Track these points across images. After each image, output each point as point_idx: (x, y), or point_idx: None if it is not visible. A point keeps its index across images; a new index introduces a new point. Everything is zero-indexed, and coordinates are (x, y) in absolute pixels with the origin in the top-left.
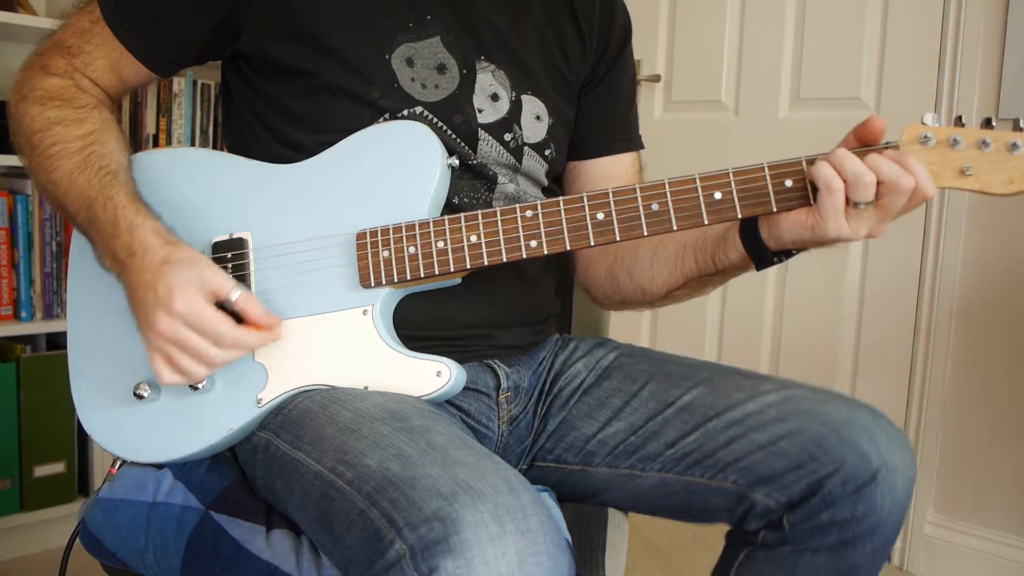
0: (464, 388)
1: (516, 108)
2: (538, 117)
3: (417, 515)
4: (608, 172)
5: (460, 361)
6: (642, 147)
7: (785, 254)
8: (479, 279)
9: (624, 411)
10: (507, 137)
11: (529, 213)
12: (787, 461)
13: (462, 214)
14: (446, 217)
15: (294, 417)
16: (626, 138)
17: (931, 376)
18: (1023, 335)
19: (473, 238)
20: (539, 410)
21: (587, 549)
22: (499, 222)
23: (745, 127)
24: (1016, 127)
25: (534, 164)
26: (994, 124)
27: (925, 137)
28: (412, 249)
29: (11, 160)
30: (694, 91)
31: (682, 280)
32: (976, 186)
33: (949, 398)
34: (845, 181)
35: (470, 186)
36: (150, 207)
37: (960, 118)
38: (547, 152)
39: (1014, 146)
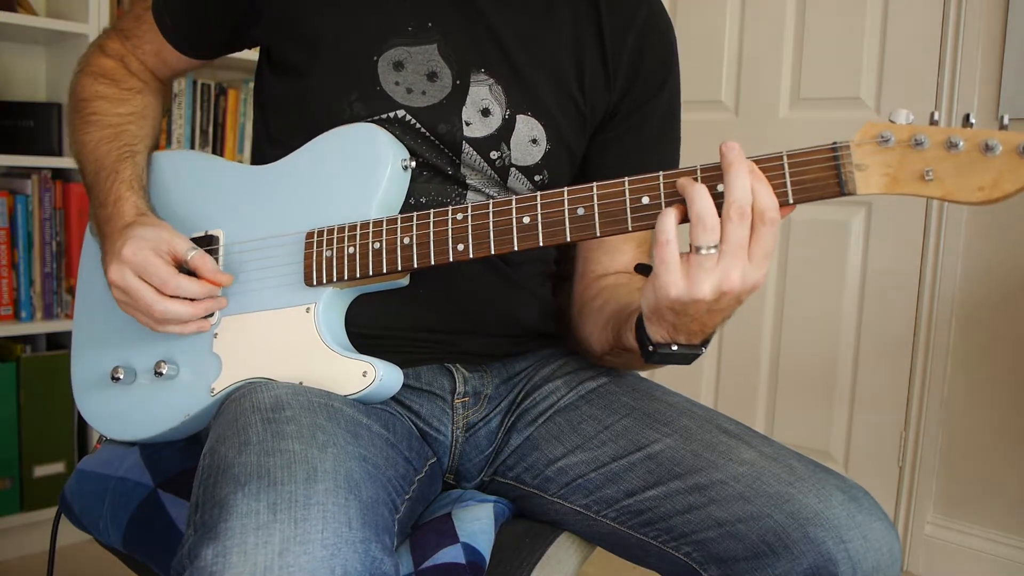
0: (417, 389)
1: (507, 126)
2: (534, 141)
3: (209, 501)
4: None
5: (415, 363)
6: None
7: (665, 348)
8: (451, 283)
9: (593, 441)
10: (493, 155)
11: (460, 216)
12: (743, 547)
13: (400, 215)
14: (384, 218)
15: (225, 405)
16: None
17: (931, 376)
18: (1023, 335)
19: (406, 240)
20: (505, 422)
21: (514, 564)
22: (431, 224)
23: (745, 127)
24: (1000, 125)
25: (521, 187)
26: (973, 122)
27: (883, 137)
28: (351, 249)
29: (11, 160)
30: (694, 91)
31: (608, 346)
32: (938, 193)
33: (949, 398)
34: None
35: (439, 189)
36: (147, 190)
37: (933, 114)
38: (537, 177)
39: (987, 147)
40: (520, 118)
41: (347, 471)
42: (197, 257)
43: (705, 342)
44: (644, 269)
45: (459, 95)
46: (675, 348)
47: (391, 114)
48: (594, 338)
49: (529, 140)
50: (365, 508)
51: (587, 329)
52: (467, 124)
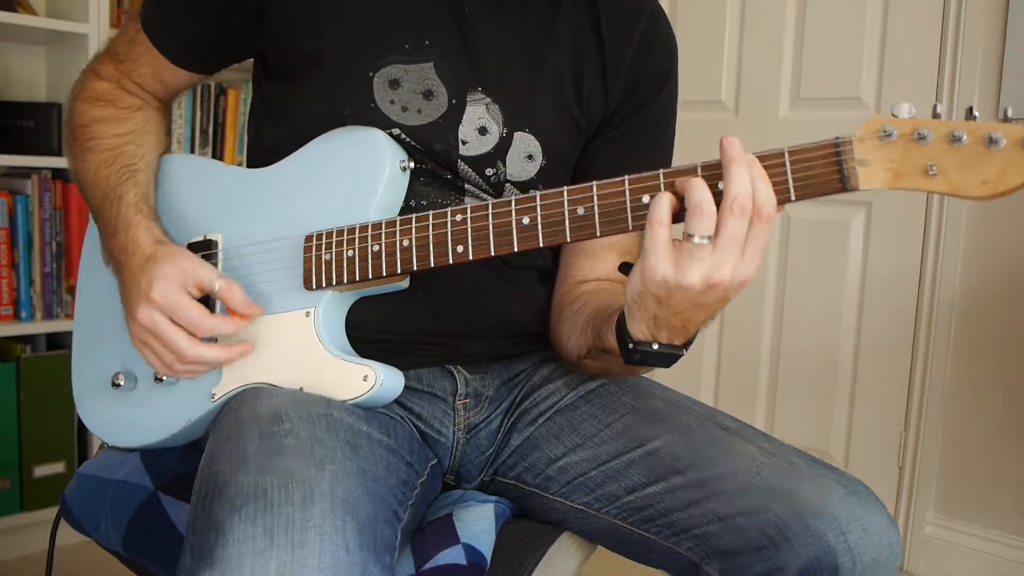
0: (418, 391)
1: (504, 145)
2: (530, 156)
3: (205, 524)
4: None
5: (416, 365)
6: None
7: (645, 346)
8: (451, 285)
9: (593, 440)
10: (488, 172)
11: (459, 217)
12: (744, 541)
13: (399, 217)
14: (383, 220)
15: (224, 412)
16: None
17: (931, 376)
18: (1023, 335)
19: (405, 242)
20: (505, 422)
21: (515, 564)
22: (430, 226)
23: (745, 127)
24: (1004, 118)
25: None
26: (976, 115)
27: (885, 132)
28: (350, 252)
29: (11, 160)
30: (694, 91)
31: (585, 348)
32: (943, 188)
33: (949, 398)
34: (685, 211)
35: (439, 193)
36: (156, 209)
37: (936, 107)
38: (532, 192)
39: (991, 140)
40: (517, 135)
41: (345, 490)
42: (224, 289)
43: (687, 344)
44: (627, 268)
45: (455, 114)
46: (656, 347)
47: (386, 132)
48: (571, 342)
49: (525, 156)
50: (363, 528)
51: (564, 333)
52: (463, 143)
